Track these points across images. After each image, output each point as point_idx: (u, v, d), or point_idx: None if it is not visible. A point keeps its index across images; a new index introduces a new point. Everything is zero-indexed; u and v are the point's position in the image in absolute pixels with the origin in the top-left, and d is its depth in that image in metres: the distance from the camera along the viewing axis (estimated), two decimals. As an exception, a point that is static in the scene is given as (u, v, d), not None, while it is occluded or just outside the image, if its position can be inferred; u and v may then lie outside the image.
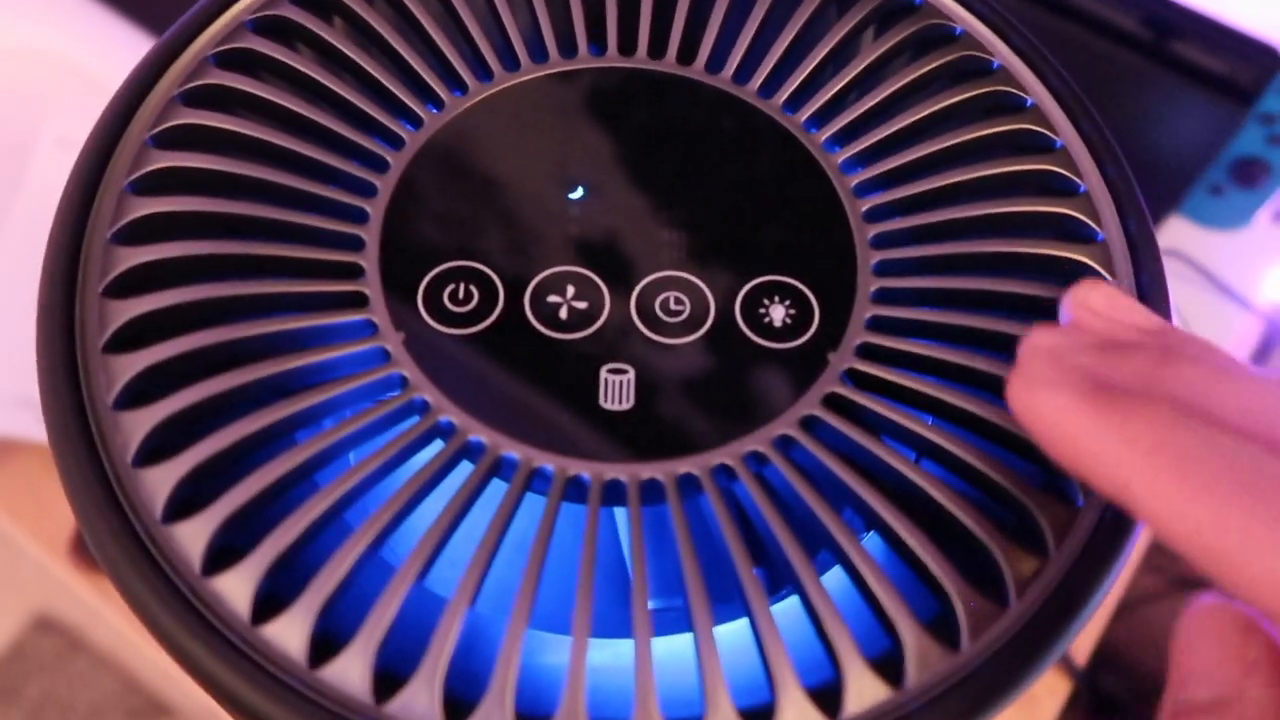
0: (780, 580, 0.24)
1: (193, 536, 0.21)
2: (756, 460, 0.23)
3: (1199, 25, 0.53)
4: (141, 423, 0.22)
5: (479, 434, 0.23)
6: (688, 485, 0.23)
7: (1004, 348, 0.24)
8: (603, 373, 0.24)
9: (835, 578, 0.23)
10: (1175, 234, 0.61)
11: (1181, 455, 0.17)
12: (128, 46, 0.65)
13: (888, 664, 0.21)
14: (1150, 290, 0.26)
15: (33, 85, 0.66)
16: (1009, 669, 0.21)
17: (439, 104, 0.27)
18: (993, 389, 0.24)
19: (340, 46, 0.27)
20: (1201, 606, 0.19)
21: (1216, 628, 0.19)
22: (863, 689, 0.21)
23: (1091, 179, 0.27)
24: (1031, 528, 0.23)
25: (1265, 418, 0.17)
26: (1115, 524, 0.23)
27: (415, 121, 0.26)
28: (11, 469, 0.58)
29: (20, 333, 0.54)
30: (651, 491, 0.23)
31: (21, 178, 0.64)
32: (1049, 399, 0.18)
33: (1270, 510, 0.16)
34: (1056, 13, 0.53)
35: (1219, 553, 0.16)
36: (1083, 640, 0.55)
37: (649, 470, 0.23)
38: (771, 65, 0.28)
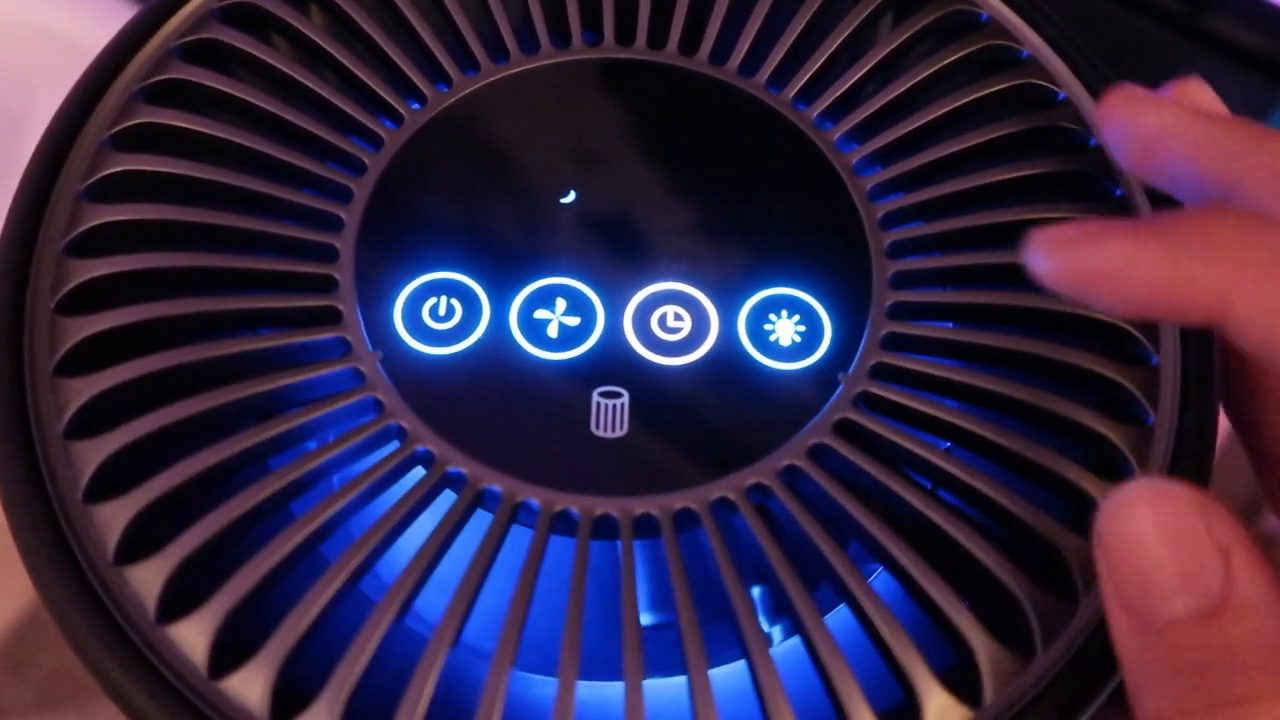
0: (784, 621, 0.23)
1: (147, 580, 0.19)
2: (760, 494, 0.21)
3: (1234, 1, 0.51)
4: (94, 453, 0.20)
5: (460, 464, 0.21)
6: (685, 521, 0.21)
7: (1032, 369, 0.22)
8: (595, 396, 0.22)
9: (842, 618, 0.22)
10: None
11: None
12: (118, 18, 0.63)
13: (900, 719, 0.20)
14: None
15: (24, 60, 0.65)
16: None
17: (421, 100, 0.25)
18: (1019, 415, 0.22)
19: (315, 38, 0.25)
20: (1138, 491, 0.16)
21: (1169, 515, 0.16)
22: None
23: (1129, 180, 0.25)
24: (1060, 568, 0.21)
25: None
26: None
27: (395, 119, 0.24)
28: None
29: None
30: (646, 527, 0.21)
31: (16, 154, 0.63)
32: (1102, 248, 0.17)
33: None
34: (1087, -12, 0.51)
35: None
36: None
37: (643, 505, 0.21)
38: (780, 56, 0.26)
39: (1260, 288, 0.16)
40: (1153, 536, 0.16)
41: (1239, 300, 0.16)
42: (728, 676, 0.21)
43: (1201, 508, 0.16)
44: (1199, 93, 0.23)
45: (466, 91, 0.25)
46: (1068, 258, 0.17)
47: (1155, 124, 0.20)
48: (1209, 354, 0.23)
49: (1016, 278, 0.24)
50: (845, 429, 0.22)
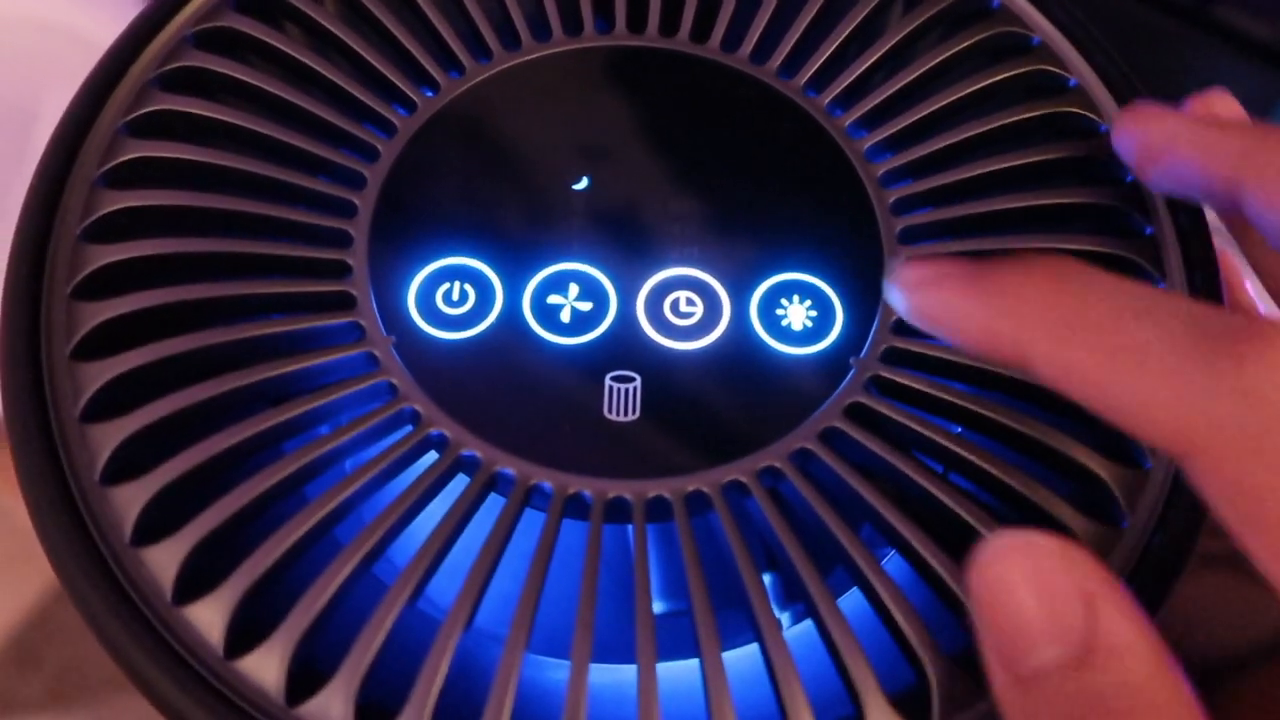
0: (793, 608, 0.23)
1: (164, 561, 0.20)
2: (772, 477, 0.21)
3: (1243, -10, 0.51)
4: (110, 436, 0.20)
5: (473, 448, 0.21)
6: (697, 503, 0.21)
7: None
8: (607, 381, 0.22)
9: (854, 602, 0.22)
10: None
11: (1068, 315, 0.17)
12: (129, 12, 0.63)
13: (911, 701, 0.20)
14: (1203, 284, 0.24)
15: (35, 55, 0.65)
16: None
17: (434, 87, 0.25)
18: (1029, 398, 0.22)
19: (328, 25, 0.25)
20: (1004, 545, 0.16)
21: (1034, 565, 0.16)
22: None
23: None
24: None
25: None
26: (1165, 546, 0.21)
27: (408, 106, 0.25)
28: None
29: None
30: (658, 510, 0.21)
31: (26, 149, 0.63)
32: (934, 296, 0.19)
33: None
34: (1095, -21, 0.51)
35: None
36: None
37: (655, 487, 0.21)
38: (792, 43, 0.26)
39: (1054, 348, 0.17)
40: (1019, 587, 0.16)
41: (1038, 360, 0.17)
42: (736, 661, 0.21)
43: (1064, 555, 0.16)
44: (1220, 102, 0.24)
45: (479, 79, 0.25)
46: (913, 301, 0.20)
47: (1160, 131, 0.22)
48: None
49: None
50: (857, 412, 0.22)
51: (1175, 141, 0.21)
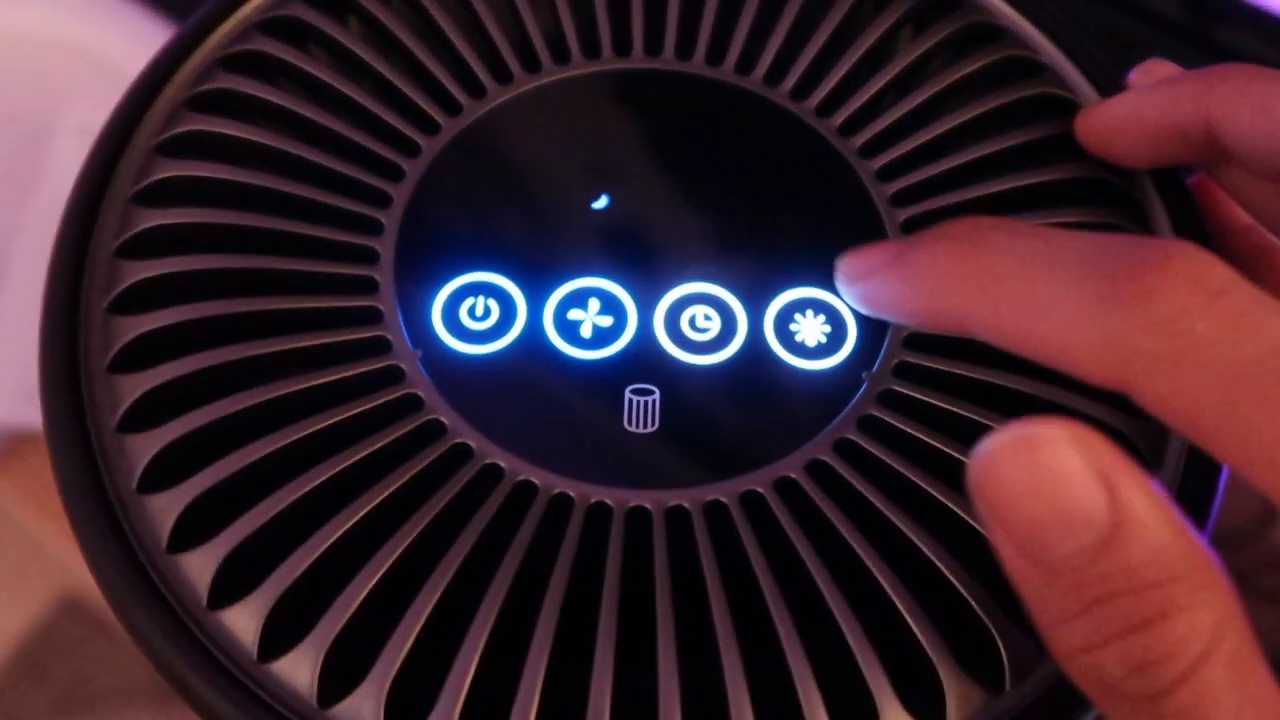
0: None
1: (199, 567, 0.20)
2: (788, 486, 0.22)
3: (1243, 11, 0.51)
4: (147, 446, 0.21)
5: (497, 458, 0.22)
6: (715, 513, 0.22)
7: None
8: (627, 393, 0.23)
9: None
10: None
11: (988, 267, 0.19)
12: (144, 33, 0.64)
13: (925, 708, 0.20)
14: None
15: (49, 73, 0.66)
16: (1053, 713, 0.20)
17: (456, 109, 0.26)
18: (1033, 410, 0.23)
19: (354, 49, 0.26)
20: (1009, 439, 0.16)
21: (1044, 456, 0.16)
22: None
23: (1144, 186, 0.26)
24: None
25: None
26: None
27: (432, 128, 0.25)
28: (38, 458, 0.58)
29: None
30: (677, 519, 0.22)
31: (40, 166, 0.64)
32: (871, 284, 0.22)
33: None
34: (1096, -1, 0.51)
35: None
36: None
37: (675, 497, 0.22)
38: (804, 67, 0.27)
39: (982, 311, 0.19)
40: (1031, 481, 0.16)
41: (974, 325, 0.19)
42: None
43: (1075, 440, 0.16)
44: (1159, 67, 0.26)
45: (500, 101, 0.26)
46: (855, 293, 0.23)
47: (1119, 111, 0.24)
48: None
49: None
50: (869, 425, 0.23)
51: (1138, 111, 0.23)
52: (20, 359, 0.55)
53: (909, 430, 0.22)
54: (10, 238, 0.61)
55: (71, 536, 0.54)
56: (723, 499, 0.22)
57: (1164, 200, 0.26)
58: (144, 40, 0.64)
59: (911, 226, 0.25)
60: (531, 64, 0.26)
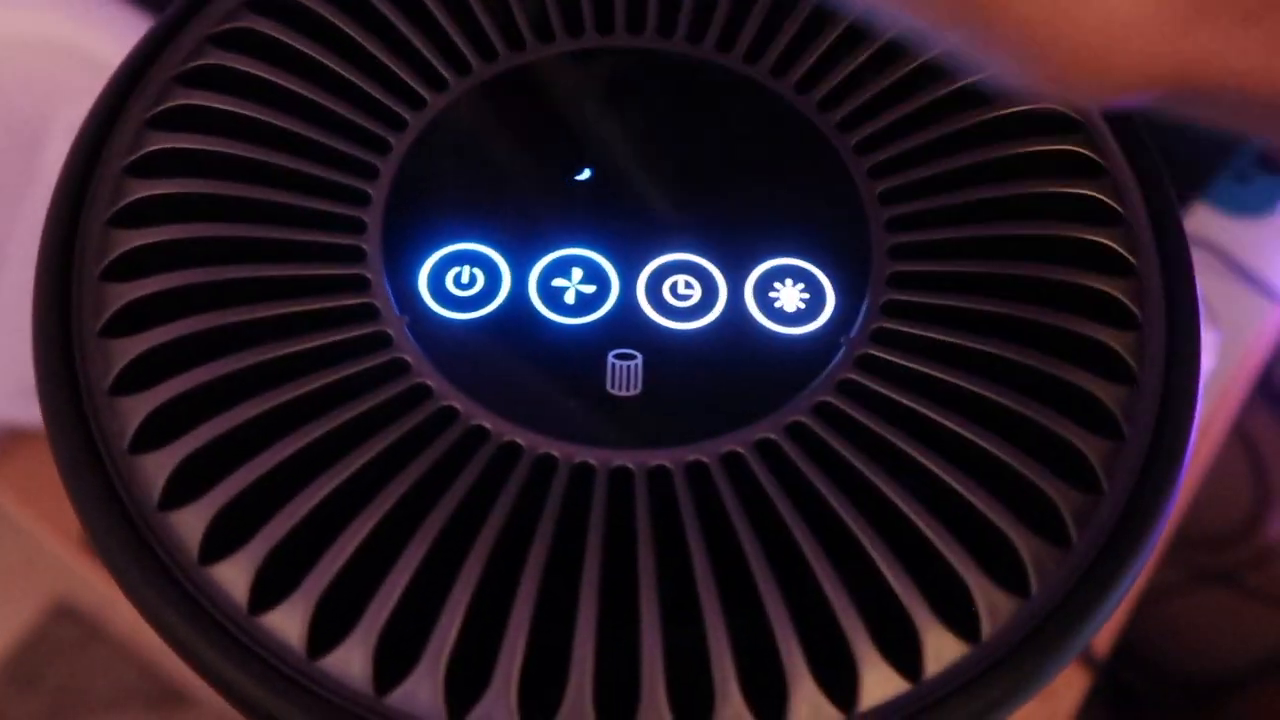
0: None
1: (190, 524, 0.21)
2: (768, 447, 0.22)
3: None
4: (138, 408, 0.21)
5: (483, 420, 0.22)
6: (696, 472, 0.22)
7: (1023, 333, 0.24)
8: (610, 358, 0.23)
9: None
10: (1200, 222, 0.60)
11: None
12: (137, 34, 0.65)
13: (902, 655, 0.21)
14: (1175, 273, 0.25)
15: (44, 75, 0.66)
16: (1029, 662, 0.21)
17: (442, 85, 0.26)
18: (1010, 374, 0.23)
19: (341, 25, 0.26)
20: None
21: None
22: (877, 681, 0.20)
23: (1115, 161, 0.26)
24: (1053, 515, 0.22)
25: None
26: (1141, 513, 0.22)
27: (418, 103, 0.26)
28: (31, 458, 0.58)
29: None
30: (659, 477, 0.22)
31: (35, 167, 0.64)
32: None
33: None
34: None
35: None
36: (1103, 633, 0.54)
37: (657, 457, 0.22)
38: (784, 45, 0.27)
39: None
40: None
41: None
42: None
43: None
44: None
45: (485, 77, 0.26)
46: None
47: None
48: (1193, 325, 0.24)
49: (1007, 250, 0.25)
50: (847, 388, 0.23)
51: None
52: (14, 357, 0.55)
53: (886, 393, 0.23)
54: (3, 239, 0.61)
55: (61, 539, 0.55)
56: (704, 459, 0.22)
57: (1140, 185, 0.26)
58: (134, 39, 0.65)
59: (888, 198, 0.26)
60: (516, 41, 0.27)
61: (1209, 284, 0.61)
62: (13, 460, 0.59)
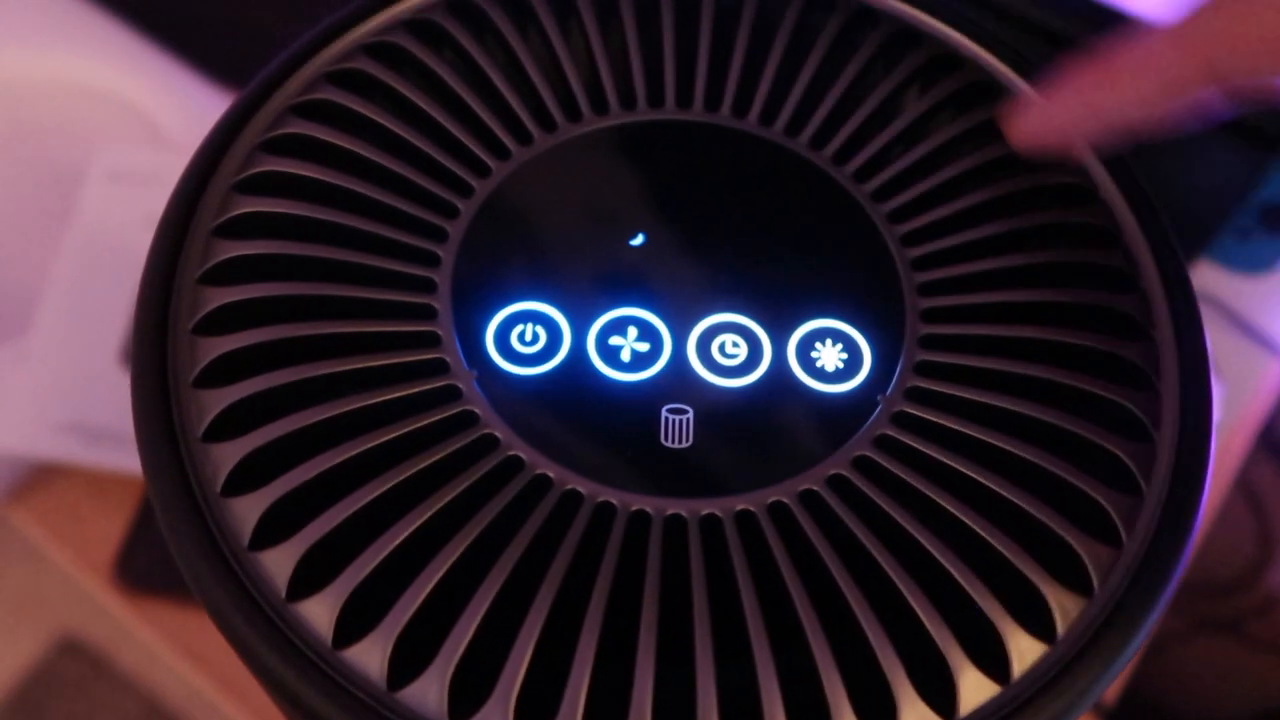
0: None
1: (279, 563, 0.22)
2: (811, 498, 0.24)
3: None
4: (230, 455, 0.23)
5: (546, 469, 0.24)
6: (745, 520, 0.24)
7: (1047, 393, 0.25)
8: (663, 412, 0.25)
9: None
10: (1204, 278, 0.62)
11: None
12: (174, 80, 0.67)
13: (939, 695, 0.22)
14: (1188, 337, 0.27)
15: (82, 117, 0.68)
16: (1056, 704, 0.22)
17: (505, 155, 0.28)
18: (1038, 433, 0.25)
19: (412, 98, 0.28)
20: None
21: None
22: (916, 718, 0.22)
23: (1130, 230, 0.28)
24: (1077, 567, 0.24)
25: None
26: (1158, 564, 0.24)
27: (483, 171, 0.28)
28: (56, 491, 0.60)
29: (70, 361, 0.55)
30: (710, 525, 0.24)
31: (71, 208, 0.66)
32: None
33: None
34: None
35: None
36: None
37: (708, 506, 0.24)
38: (821, 119, 0.29)
39: None
40: None
41: None
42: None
43: None
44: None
45: (546, 146, 0.28)
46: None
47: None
48: (1205, 385, 0.26)
49: (1033, 315, 0.27)
50: (884, 444, 0.25)
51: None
52: (50, 394, 0.57)
53: (920, 448, 0.25)
54: (40, 277, 0.63)
55: (81, 571, 0.56)
56: (752, 508, 0.24)
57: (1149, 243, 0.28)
58: (173, 88, 0.67)
59: (920, 265, 0.27)
60: (573, 114, 0.29)
61: (1213, 338, 0.62)
62: (43, 492, 0.61)
